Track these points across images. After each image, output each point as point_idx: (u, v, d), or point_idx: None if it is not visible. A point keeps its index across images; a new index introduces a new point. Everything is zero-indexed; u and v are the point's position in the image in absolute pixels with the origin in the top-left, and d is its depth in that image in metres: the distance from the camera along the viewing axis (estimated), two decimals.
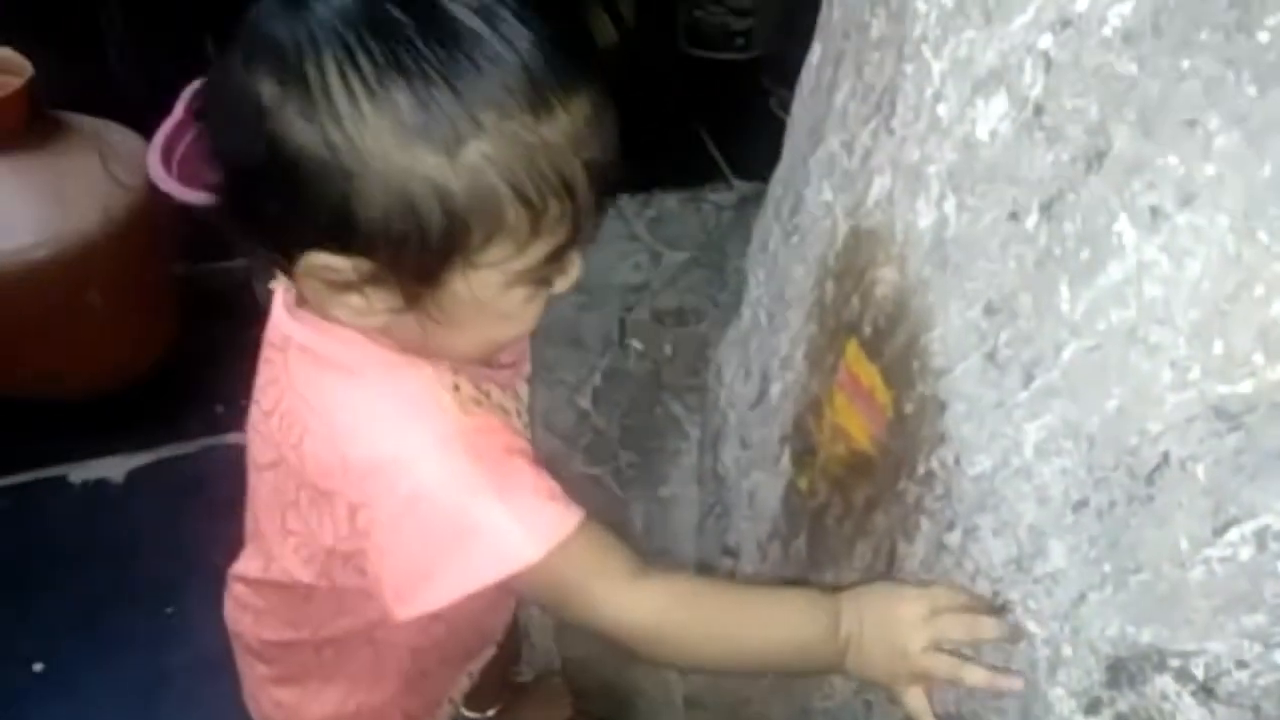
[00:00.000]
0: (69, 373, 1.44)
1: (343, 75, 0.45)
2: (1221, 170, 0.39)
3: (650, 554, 1.33)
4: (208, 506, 1.36)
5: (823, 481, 0.77)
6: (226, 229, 0.51)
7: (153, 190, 1.34)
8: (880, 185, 0.64)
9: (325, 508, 0.57)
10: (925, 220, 0.59)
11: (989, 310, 0.54)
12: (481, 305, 0.52)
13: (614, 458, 1.41)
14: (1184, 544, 0.44)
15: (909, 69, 0.59)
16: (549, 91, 0.47)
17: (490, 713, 1.06)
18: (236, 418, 1.50)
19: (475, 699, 1.06)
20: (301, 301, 0.57)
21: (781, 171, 0.93)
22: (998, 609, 0.57)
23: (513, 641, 1.11)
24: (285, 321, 0.58)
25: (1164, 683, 0.48)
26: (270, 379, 0.60)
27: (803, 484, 0.80)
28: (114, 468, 1.40)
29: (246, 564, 0.72)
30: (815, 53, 0.82)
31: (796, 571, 0.85)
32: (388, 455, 0.54)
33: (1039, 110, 0.48)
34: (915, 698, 0.59)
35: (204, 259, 1.61)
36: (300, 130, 0.46)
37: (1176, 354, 0.43)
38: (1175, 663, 0.47)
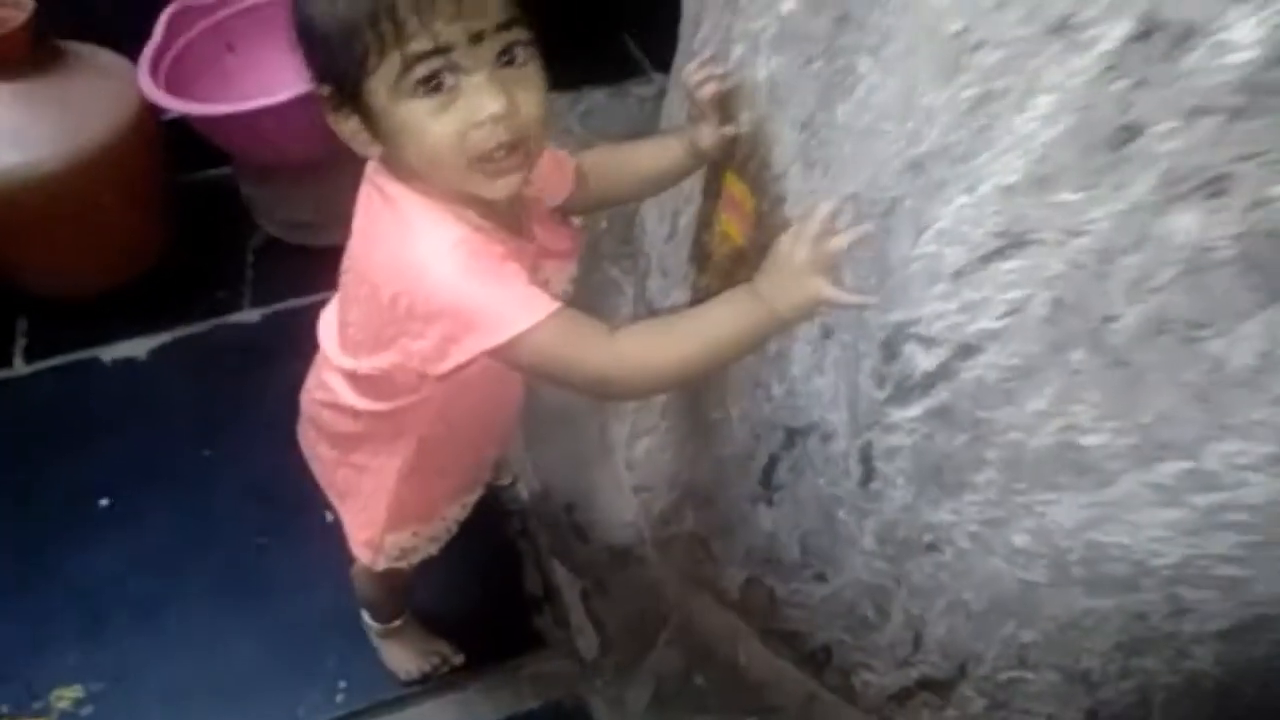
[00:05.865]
0: (87, 269, 1.66)
1: None
2: None
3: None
4: (224, 374, 1.60)
5: (715, 279, 1.05)
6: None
7: (145, 104, 1.54)
8: (736, 52, 0.90)
9: (374, 298, 0.73)
10: (762, 73, 0.86)
11: (802, 128, 0.82)
12: (393, 119, 0.65)
13: None
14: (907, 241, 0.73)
15: None
16: None
17: None
18: (236, 302, 1.74)
19: None
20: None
21: (679, 58, 1.19)
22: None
23: None
24: (370, 166, 0.76)
25: (911, 350, 0.78)
26: (359, 208, 0.78)
27: (702, 283, 1.08)
28: (137, 348, 1.63)
29: (327, 361, 0.88)
30: None
31: None
32: (417, 258, 0.69)
33: None
34: (825, 288, 0.72)
35: (192, 167, 1.81)
36: None
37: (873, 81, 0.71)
38: (912, 329, 0.76)
